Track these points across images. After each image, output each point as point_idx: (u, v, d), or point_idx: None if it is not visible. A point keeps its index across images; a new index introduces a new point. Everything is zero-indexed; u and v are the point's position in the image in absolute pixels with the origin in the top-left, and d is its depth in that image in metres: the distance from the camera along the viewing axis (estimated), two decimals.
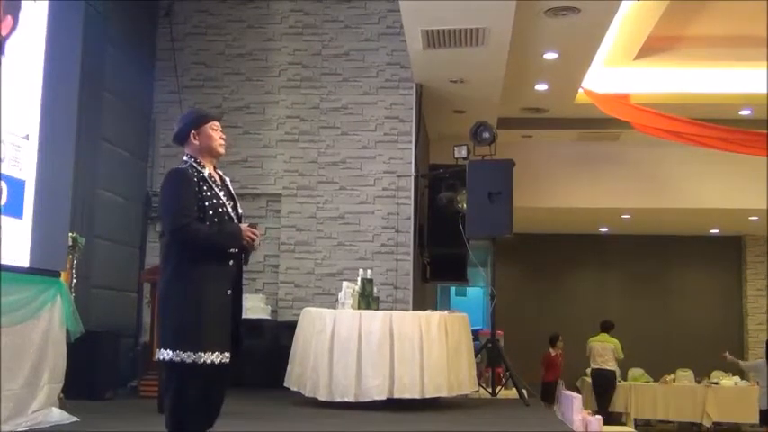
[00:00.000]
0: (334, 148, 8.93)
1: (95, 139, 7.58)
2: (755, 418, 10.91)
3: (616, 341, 11.44)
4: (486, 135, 8.10)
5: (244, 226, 3.62)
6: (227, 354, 3.59)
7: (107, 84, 7.79)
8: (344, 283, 7.11)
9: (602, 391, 11.54)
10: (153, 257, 8.41)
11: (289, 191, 8.89)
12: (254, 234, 3.62)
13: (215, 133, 3.74)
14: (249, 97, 9.01)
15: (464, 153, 8.18)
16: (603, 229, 15.16)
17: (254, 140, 8.88)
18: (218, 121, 3.81)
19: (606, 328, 11.44)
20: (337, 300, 7.10)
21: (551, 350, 11.71)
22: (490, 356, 7.82)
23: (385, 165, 8.85)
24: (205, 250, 3.53)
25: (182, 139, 3.74)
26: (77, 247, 6.24)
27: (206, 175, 3.66)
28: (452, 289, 13.91)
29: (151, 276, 6.73)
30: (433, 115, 9.98)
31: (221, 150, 3.77)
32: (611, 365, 11.49)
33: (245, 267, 3.77)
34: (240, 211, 3.78)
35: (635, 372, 12.75)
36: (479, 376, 7.49)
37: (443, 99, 9.48)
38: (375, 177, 8.86)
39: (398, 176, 8.79)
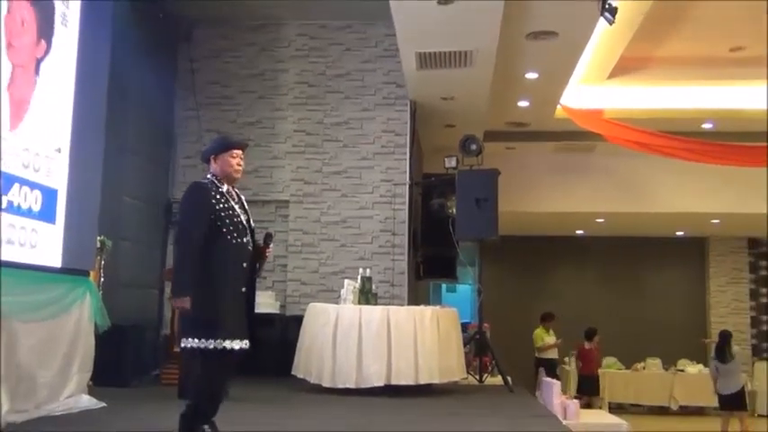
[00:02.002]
0: (336, 158, 8.90)
1: (121, 151, 7.57)
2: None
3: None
4: (474, 147, 8.12)
5: (187, 300, 3.53)
6: (246, 341, 3.68)
7: (132, 101, 7.78)
8: (346, 281, 7.11)
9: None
10: (172, 258, 8.34)
11: (296, 197, 8.85)
12: (180, 307, 3.56)
13: (233, 160, 3.83)
14: (260, 113, 8.99)
15: (454, 163, 8.21)
16: (580, 232, 15.11)
17: (264, 152, 8.85)
18: (242, 149, 3.90)
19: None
20: (340, 296, 7.09)
21: (586, 344, 11.02)
22: (478, 347, 7.82)
23: (382, 174, 8.82)
24: (182, 252, 3.61)
25: (206, 159, 3.91)
26: (105, 248, 6.26)
27: (224, 190, 3.78)
28: (443, 286, 13.80)
29: (171, 275, 6.69)
30: (426, 129, 10.00)
31: (236, 176, 3.87)
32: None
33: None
34: (252, 224, 3.87)
35: (608, 360, 12.73)
36: (468, 365, 7.48)
37: (435, 114, 9.49)
38: (373, 185, 8.82)
39: (394, 184, 8.77)
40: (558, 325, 11.10)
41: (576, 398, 8.77)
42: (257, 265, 3.88)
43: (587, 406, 10.12)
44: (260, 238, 4.00)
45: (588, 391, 10.84)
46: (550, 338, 10.94)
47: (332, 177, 8.91)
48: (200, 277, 3.58)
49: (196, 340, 3.55)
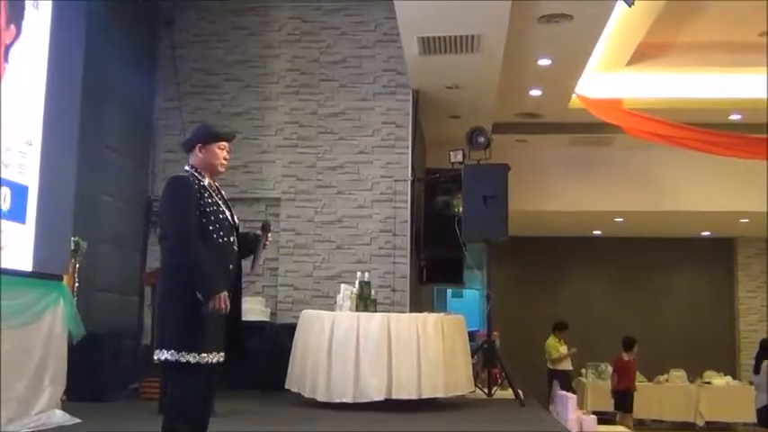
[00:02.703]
0: (332, 152, 8.91)
1: (97, 145, 7.57)
2: (749, 417, 10.80)
3: None
4: (482, 139, 8.08)
5: (224, 295, 3.55)
6: (222, 354, 3.64)
7: (109, 91, 7.79)
8: (342, 286, 7.09)
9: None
10: (154, 261, 8.35)
11: (287, 195, 8.86)
12: (223, 307, 3.54)
13: (220, 152, 3.81)
14: (248, 103, 8.99)
15: (460, 157, 8.16)
16: (597, 232, 15.10)
17: (253, 146, 8.85)
18: (229, 141, 3.89)
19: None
20: (336, 302, 7.08)
21: (624, 355, 10.79)
22: (486, 357, 7.80)
23: (382, 169, 8.83)
24: (185, 268, 3.52)
25: (189, 148, 3.82)
26: (79, 250, 6.20)
27: (206, 184, 3.73)
28: (449, 291, 13.84)
29: (152, 279, 6.68)
30: (430, 120, 9.96)
31: (221, 170, 3.84)
32: None
33: (251, 272, 3.88)
34: (237, 221, 3.83)
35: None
36: (476, 377, 7.49)
37: (439, 104, 9.47)
38: (372, 181, 8.82)
39: (395, 181, 8.77)
40: (573, 333, 11.11)
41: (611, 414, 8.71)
42: (255, 258, 3.86)
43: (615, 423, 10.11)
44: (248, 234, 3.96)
45: (624, 407, 10.72)
46: (564, 348, 10.95)
47: (327, 173, 8.90)
48: (185, 281, 3.52)
49: (172, 352, 3.48)
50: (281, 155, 8.91)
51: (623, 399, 10.75)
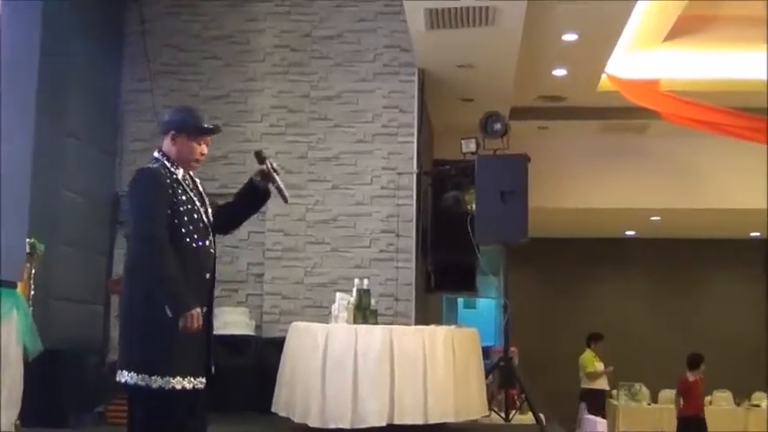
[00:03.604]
0: (325, 141, 8.83)
1: (57, 134, 7.51)
2: None
3: None
4: (498, 126, 8.04)
5: (197, 312, 3.52)
6: (202, 379, 3.63)
7: (70, 73, 7.74)
8: (338, 295, 7.05)
9: None
10: (120, 266, 7.70)
11: (275, 191, 8.78)
12: (195, 326, 3.52)
13: (198, 147, 3.81)
14: (229, 85, 8.89)
15: (473, 147, 8.10)
16: (630, 233, 15.03)
17: (235, 134, 8.75)
18: (212, 135, 3.91)
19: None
20: (330, 313, 7.06)
21: (689, 374, 10.81)
22: (503, 376, 7.78)
23: (384, 160, 8.75)
24: (155, 277, 3.50)
25: (166, 131, 3.83)
26: (36, 254, 6.19)
27: (179, 177, 3.73)
28: (460, 300, 13.86)
29: (120, 287, 6.39)
30: (438, 104, 9.88)
31: (196, 166, 3.85)
32: None
33: (288, 201, 4.05)
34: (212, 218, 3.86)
35: (665, 393, 12.72)
36: (491, 399, 7.46)
37: (449, 86, 9.41)
38: (372, 175, 8.75)
39: (399, 174, 8.71)
40: (604, 348, 11.16)
41: None
42: (279, 190, 3.93)
43: None
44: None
45: None
46: (600, 364, 10.91)
47: (320, 165, 8.83)
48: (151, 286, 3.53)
49: (135, 375, 3.47)
50: (268, 144, 8.73)
51: (694, 427, 10.64)
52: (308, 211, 8.76)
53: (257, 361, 8.00)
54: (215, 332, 3.90)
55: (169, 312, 3.46)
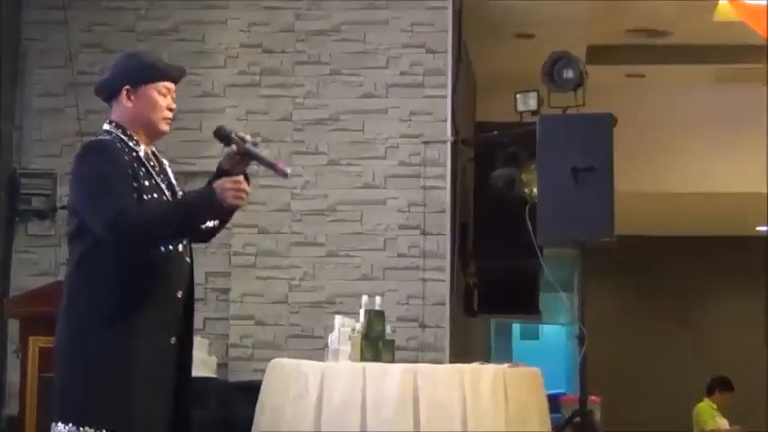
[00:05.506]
0: (318, 96, 7.80)
1: None
2: None
3: None
4: (570, 74, 7.34)
5: (219, 181, 3.48)
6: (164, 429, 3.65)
7: None
8: (337, 319, 6.33)
9: None
10: (23, 278, 7.61)
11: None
12: (239, 189, 3.46)
13: (162, 99, 3.62)
14: (178, 14, 7.89)
15: (533, 104, 7.52)
16: (762, 228, 13.86)
17: (188, 87, 7.41)
18: (175, 81, 3.69)
19: None
20: (326, 346, 6.36)
21: None
22: None
23: (403, 123, 7.76)
24: (157, 241, 3.47)
25: (109, 94, 3.66)
26: None
27: (141, 155, 3.60)
28: (516, 327, 13.91)
29: (21, 309, 6.40)
30: (482, 43, 9.08)
31: (164, 128, 3.67)
32: None
33: (287, 175, 3.75)
34: None
35: None
36: None
37: (498, 17, 8.75)
38: (387, 145, 7.79)
39: (425, 143, 7.75)
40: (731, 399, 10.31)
41: None
42: (272, 165, 3.63)
43: None
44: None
45: None
46: (723, 421, 10.18)
47: (312, 130, 7.83)
48: (104, 315, 3.36)
49: (72, 427, 3.33)
50: (235, 100, 7.83)
51: None
52: (293, 197, 7.82)
53: (219, 414, 7.15)
54: None
55: (210, 222, 3.65)
